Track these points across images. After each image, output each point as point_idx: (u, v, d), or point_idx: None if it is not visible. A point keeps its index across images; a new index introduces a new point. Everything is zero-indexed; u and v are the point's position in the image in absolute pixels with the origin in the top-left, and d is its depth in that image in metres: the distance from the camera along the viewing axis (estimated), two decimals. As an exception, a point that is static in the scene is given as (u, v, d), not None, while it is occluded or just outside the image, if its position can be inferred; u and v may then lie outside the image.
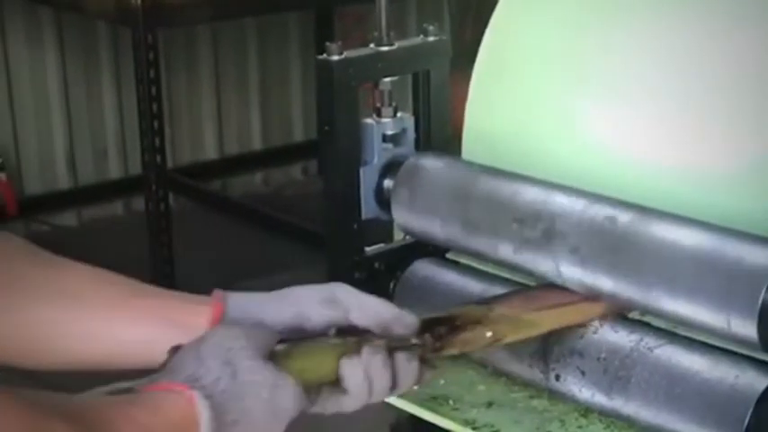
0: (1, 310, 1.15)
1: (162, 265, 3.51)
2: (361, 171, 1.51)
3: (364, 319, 1.20)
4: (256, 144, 4.91)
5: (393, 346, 1.19)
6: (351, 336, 1.19)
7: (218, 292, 1.22)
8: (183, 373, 1.08)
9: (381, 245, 1.58)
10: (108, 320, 1.20)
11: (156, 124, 3.33)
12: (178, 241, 3.84)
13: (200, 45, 4.65)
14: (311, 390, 1.14)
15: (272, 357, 1.12)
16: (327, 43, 1.43)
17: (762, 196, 1.29)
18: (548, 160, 1.47)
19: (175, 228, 3.84)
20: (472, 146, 1.56)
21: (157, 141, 3.36)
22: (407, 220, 1.51)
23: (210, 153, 4.86)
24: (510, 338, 1.33)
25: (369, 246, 1.57)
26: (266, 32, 4.69)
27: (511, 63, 1.52)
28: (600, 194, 1.37)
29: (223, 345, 1.09)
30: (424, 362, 1.21)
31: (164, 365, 1.11)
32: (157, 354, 1.13)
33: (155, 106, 3.31)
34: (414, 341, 1.22)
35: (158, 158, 3.39)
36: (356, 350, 1.16)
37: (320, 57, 1.44)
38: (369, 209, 1.53)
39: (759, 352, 1.24)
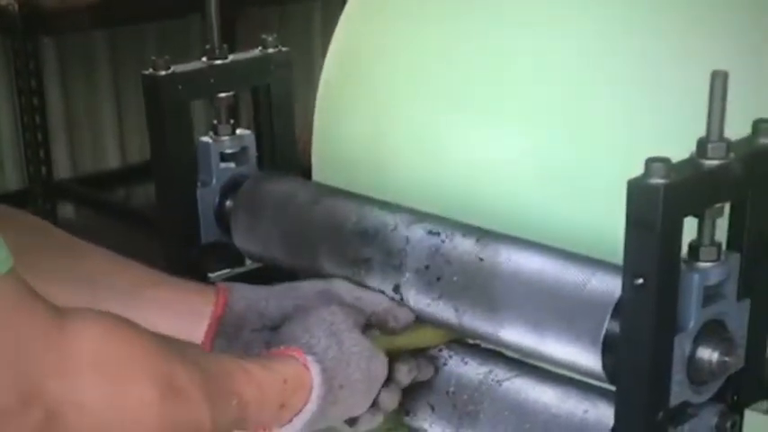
0: None
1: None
2: (199, 192, 1.41)
3: (359, 312, 1.24)
4: (160, 152, 4.80)
5: None
6: None
7: (222, 283, 1.29)
8: (296, 342, 1.17)
9: (227, 270, 1.48)
10: (122, 310, 1.17)
11: (40, 136, 3.20)
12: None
13: (97, 52, 4.52)
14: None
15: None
16: (153, 58, 1.33)
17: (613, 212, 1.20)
18: (397, 179, 1.38)
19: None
20: (320, 163, 1.47)
21: (42, 153, 3.23)
22: (247, 243, 1.42)
23: (112, 162, 4.73)
24: None
25: (213, 272, 1.48)
26: (167, 38, 4.57)
27: (357, 77, 1.43)
28: (444, 218, 1.28)
29: (326, 319, 1.19)
30: None
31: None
32: None
33: (38, 117, 3.18)
34: None
35: (44, 170, 3.26)
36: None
37: (145, 72, 1.34)
38: (209, 232, 1.43)
39: (607, 384, 1.16)
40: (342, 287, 1.27)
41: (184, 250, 1.42)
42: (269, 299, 1.27)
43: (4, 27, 3.09)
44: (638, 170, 0.99)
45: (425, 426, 1.29)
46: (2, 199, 4.36)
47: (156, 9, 3.46)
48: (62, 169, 4.44)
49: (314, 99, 1.48)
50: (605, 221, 1.18)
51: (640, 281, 1.00)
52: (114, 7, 3.24)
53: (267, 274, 1.47)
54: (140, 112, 4.46)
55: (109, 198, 4.62)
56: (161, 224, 1.41)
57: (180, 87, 1.35)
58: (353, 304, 1.24)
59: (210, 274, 1.47)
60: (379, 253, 1.29)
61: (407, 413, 1.30)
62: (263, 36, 1.42)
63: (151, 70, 1.34)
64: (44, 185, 3.29)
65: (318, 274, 1.37)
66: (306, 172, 1.49)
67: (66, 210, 4.48)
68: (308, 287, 1.28)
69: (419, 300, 1.26)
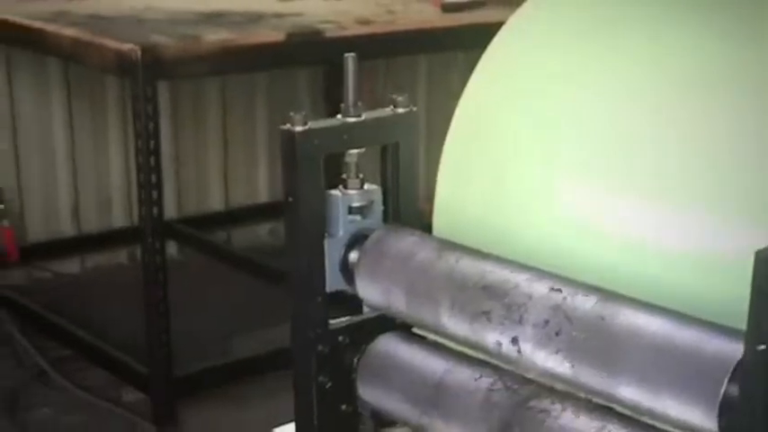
0: None
1: (157, 318, 3.47)
2: (326, 243, 1.47)
3: None
4: (263, 196, 4.90)
5: None
6: None
7: None
8: None
9: (347, 318, 1.54)
10: None
11: (153, 177, 3.31)
12: (180, 292, 3.81)
13: (208, 97, 4.65)
14: None
15: None
16: (291, 113, 1.40)
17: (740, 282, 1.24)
18: (518, 238, 1.43)
19: (178, 278, 3.81)
20: (443, 220, 1.52)
21: (155, 194, 3.33)
22: (370, 293, 1.48)
23: (216, 204, 4.85)
24: None
25: (335, 318, 1.54)
26: (275, 85, 4.68)
27: (482, 136, 1.49)
28: (564, 276, 1.33)
29: None
30: None
31: None
32: None
33: (152, 159, 3.29)
34: None
35: (155, 211, 3.36)
36: None
37: (283, 127, 1.41)
38: (333, 281, 1.49)
39: (722, 445, 1.19)
40: None
41: (310, 297, 1.48)
42: None
43: (126, 71, 3.21)
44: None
45: (538, 478, 1.33)
46: (108, 235, 4.47)
47: (268, 60, 3.56)
48: (168, 209, 4.57)
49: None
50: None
51: (763, 347, 1.04)
52: (229, 56, 3.35)
53: (385, 324, 1.53)
54: (245, 158, 4.59)
55: (211, 238, 4.73)
56: (289, 271, 1.47)
57: (315, 142, 1.41)
58: None
59: (331, 321, 1.53)
60: (500, 307, 1.34)
61: (521, 466, 1.34)
62: (394, 96, 1.48)
63: (289, 126, 1.40)
64: (154, 224, 3.39)
65: (436, 329, 1.43)
66: (427, 227, 1.54)
67: (170, 248, 4.60)
68: None
69: (536, 353, 1.31)
